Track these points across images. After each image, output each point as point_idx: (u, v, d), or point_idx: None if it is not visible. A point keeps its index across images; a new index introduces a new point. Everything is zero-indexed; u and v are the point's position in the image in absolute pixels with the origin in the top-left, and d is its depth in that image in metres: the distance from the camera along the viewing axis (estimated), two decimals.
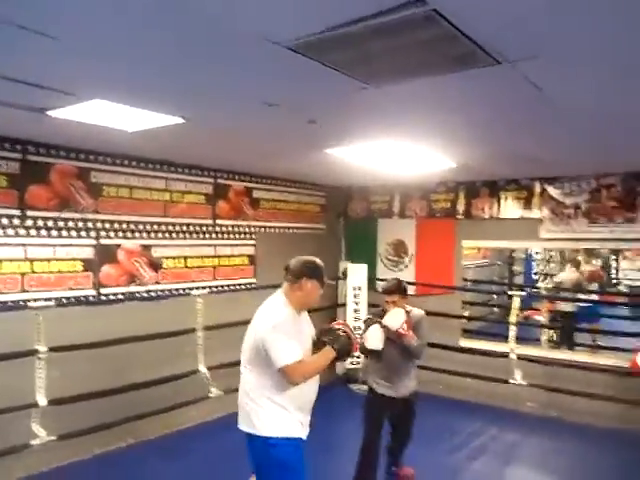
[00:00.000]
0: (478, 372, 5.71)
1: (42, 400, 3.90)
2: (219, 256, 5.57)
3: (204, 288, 5.19)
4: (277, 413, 2.70)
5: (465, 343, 6.14)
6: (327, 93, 2.72)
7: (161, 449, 4.71)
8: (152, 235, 4.99)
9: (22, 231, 4.15)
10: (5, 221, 4.06)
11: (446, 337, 6.05)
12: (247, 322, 5.44)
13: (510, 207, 5.94)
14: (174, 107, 3.10)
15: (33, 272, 4.20)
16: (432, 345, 5.96)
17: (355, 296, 6.17)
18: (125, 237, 4.79)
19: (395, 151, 4.25)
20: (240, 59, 2.28)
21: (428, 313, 6.02)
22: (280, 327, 2.64)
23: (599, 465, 4.46)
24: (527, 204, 5.83)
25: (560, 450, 4.86)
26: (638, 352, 4.55)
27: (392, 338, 3.60)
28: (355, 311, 6.20)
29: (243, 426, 2.78)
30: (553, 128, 3.46)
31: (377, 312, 3.86)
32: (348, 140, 3.91)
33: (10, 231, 4.09)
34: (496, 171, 5.46)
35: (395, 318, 3.60)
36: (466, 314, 6.89)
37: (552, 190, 5.66)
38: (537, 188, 5.78)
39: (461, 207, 6.24)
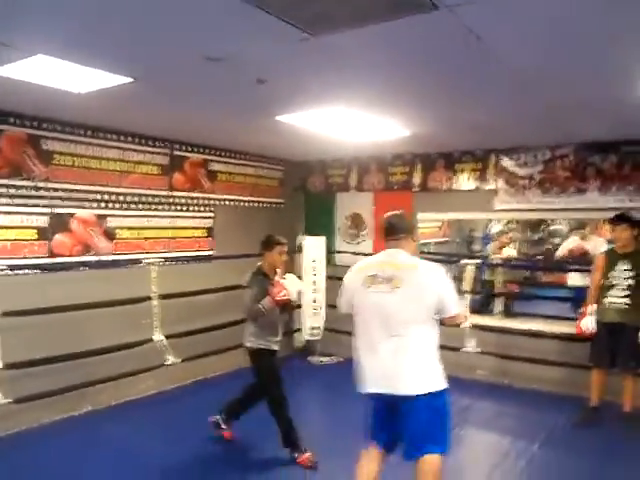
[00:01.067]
0: None
1: None
2: (175, 227, 5.59)
3: (160, 259, 5.20)
4: (439, 365, 2.83)
5: None
6: (268, 45, 2.74)
7: (118, 416, 4.74)
8: (107, 205, 4.98)
9: None
10: None
11: None
12: (205, 292, 5.61)
13: (465, 179, 6.04)
14: (118, 63, 3.08)
15: None
16: None
17: (313, 268, 6.26)
18: (79, 207, 4.77)
19: (347, 118, 4.31)
20: (178, 8, 2.30)
21: None
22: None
23: (543, 425, 4.63)
24: (482, 176, 5.94)
25: (507, 413, 5.02)
26: (582, 317, 4.76)
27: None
28: (313, 283, 6.28)
29: (408, 389, 2.69)
30: (498, 89, 3.50)
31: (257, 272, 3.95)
32: (297, 105, 3.96)
33: None
34: (449, 141, 5.55)
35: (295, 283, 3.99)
36: None
37: (506, 161, 5.78)
38: (492, 160, 5.88)
39: (417, 179, 6.33)
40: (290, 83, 3.43)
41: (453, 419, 4.61)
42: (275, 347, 3.99)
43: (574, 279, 6.69)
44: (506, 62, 2.94)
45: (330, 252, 6.68)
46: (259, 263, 3.97)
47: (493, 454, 4.22)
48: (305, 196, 7.17)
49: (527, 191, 5.71)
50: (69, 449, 4.04)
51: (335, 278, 6.44)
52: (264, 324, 3.90)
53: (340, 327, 6.37)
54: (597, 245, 6.31)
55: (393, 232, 2.88)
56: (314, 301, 6.27)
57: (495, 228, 8.27)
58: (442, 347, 2.88)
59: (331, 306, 6.40)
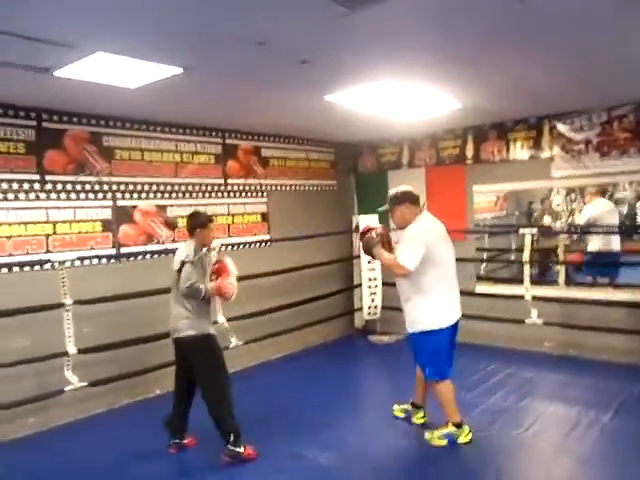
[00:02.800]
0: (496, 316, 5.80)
1: (72, 349, 4.17)
2: (232, 214, 5.75)
3: (219, 245, 5.35)
4: None
5: (481, 289, 6.19)
6: (311, 24, 2.78)
7: None
8: (166, 195, 5.18)
9: (42, 195, 4.38)
10: (26, 186, 4.29)
11: (461, 283, 6.11)
12: (264, 275, 5.74)
13: (520, 148, 5.92)
14: (173, 54, 3.19)
15: (55, 233, 4.44)
16: None
17: None
18: (140, 198, 4.99)
19: (395, 93, 4.27)
20: None
21: None
22: None
23: (614, 395, 4.50)
24: (536, 144, 5.80)
25: (576, 384, 4.91)
26: None
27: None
28: (369, 262, 6.31)
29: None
30: (552, 49, 3.41)
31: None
32: (344, 82, 3.96)
33: (32, 195, 4.32)
34: (502, 110, 5.42)
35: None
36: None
37: (561, 127, 5.61)
38: (546, 126, 5.72)
39: (470, 152, 6.25)
40: (334, 61, 3.44)
41: (518, 391, 4.65)
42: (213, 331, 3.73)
43: None
44: (558, 18, 2.85)
45: None
46: (189, 240, 3.69)
47: (563, 424, 4.13)
48: (357, 177, 7.19)
49: (584, 156, 5.53)
50: (143, 430, 4.23)
51: None
52: (202, 306, 3.65)
53: (398, 304, 6.39)
54: None
55: (418, 202, 3.85)
56: (370, 279, 6.29)
57: (556, 200, 8.00)
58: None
59: (388, 284, 6.41)
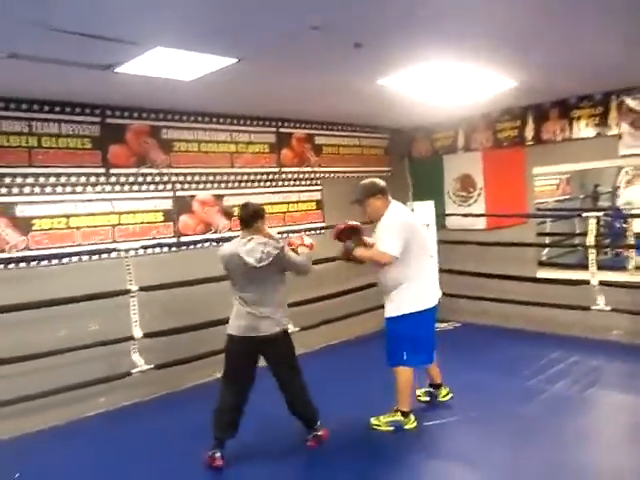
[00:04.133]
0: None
1: (138, 333, 4.38)
2: (287, 202, 5.83)
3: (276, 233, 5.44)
4: None
5: (543, 274, 6.00)
6: (364, 6, 2.75)
7: None
8: (222, 185, 5.32)
9: (108, 187, 4.61)
10: (93, 179, 4.52)
11: (522, 269, 5.98)
12: (318, 262, 5.76)
13: (584, 126, 5.64)
14: (227, 45, 3.26)
15: (121, 224, 4.65)
16: (507, 278, 5.96)
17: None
18: (198, 188, 5.14)
19: (449, 74, 4.18)
20: None
21: (502, 244, 6.04)
22: None
23: None
24: (603, 121, 5.50)
25: None
26: None
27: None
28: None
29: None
30: (618, 17, 3.21)
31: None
32: (398, 64, 3.91)
33: (98, 188, 4.55)
34: (564, 87, 5.18)
35: None
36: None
37: (631, 102, 5.29)
38: (613, 102, 5.42)
39: (530, 133, 6.02)
40: (388, 43, 3.41)
41: (582, 380, 4.50)
42: None
43: None
44: None
45: (440, 216, 6.58)
46: (247, 235, 3.46)
47: (630, 415, 3.97)
48: (411, 162, 7.10)
49: None
50: (208, 410, 4.39)
51: (447, 242, 6.39)
52: (284, 298, 3.62)
53: (456, 291, 6.32)
54: None
55: (387, 193, 3.87)
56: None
57: (625, 179, 7.63)
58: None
59: (446, 271, 6.33)
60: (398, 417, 3.82)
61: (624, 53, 4.02)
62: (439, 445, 3.65)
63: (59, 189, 4.35)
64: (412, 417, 3.83)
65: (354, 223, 3.93)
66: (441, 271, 6.30)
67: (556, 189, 8.59)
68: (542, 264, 6.30)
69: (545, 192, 8.05)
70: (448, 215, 6.73)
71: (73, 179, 4.42)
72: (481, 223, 6.47)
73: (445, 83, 4.48)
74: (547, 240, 7.11)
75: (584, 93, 5.57)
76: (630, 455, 3.39)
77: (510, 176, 6.21)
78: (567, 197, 8.90)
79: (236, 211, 5.31)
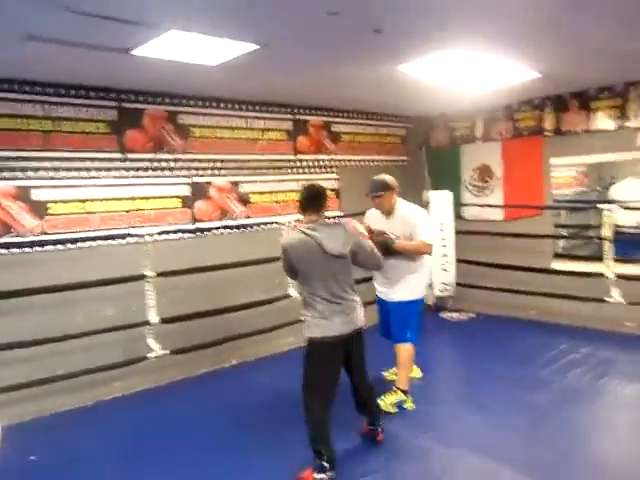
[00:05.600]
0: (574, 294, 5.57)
1: (154, 318, 4.39)
2: None
3: (291, 221, 5.42)
4: None
5: (558, 266, 5.95)
6: None
7: (262, 368, 5.10)
8: (238, 172, 5.29)
9: (125, 172, 4.59)
10: (109, 164, 4.51)
11: (538, 260, 5.93)
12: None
13: (603, 118, 5.57)
14: (245, 30, 3.23)
15: (137, 209, 4.65)
16: (523, 269, 5.91)
17: (441, 224, 6.16)
18: (214, 175, 5.13)
19: (470, 62, 4.12)
20: None
21: (519, 235, 5.99)
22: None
23: None
24: (623, 112, 5.43)
25: None
26: None
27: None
28: (442, 238, 6.18)
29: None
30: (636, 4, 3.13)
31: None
32: (418, 51, 3.85)
33: (115, 173, 4.54)
34: (584, 78, 5.11)
35: None
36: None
37: None
38: (633, 93, 5.35)
39: (549, 123, 5.95)
40: (408, 29, 3.35)
41: (594, 370, 4.47)
42: None
43: None
44: None
45: (457, 206, 6.53)
46: (324, 220, 3.15)
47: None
48: (428, 151, 7.04)
49: None
50: (223, 395, 4.45)
51: (464, 232, 6.34)
52: None
53: (472, 282, 6.29)
54: None
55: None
56: (443, 256, 6.19)
57: None
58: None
59: (462, 261, 6.30)
60: (401, 396, 3.99)
61: (634, 45, 3.93)
62: (451, 432, 3.64)
63: (74, 173, 4.34)
64: (409, 396, 4.02)
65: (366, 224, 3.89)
66: (458, 261, 6.30)
67: (574, 181, 8.50)
68: (558, 255, 6.24)
69: (563, 184, 7.97)
70: (465, 205, 6.68)
71: (89, 163, 4.40)
72: (498, 214, 6.42)
73: (466, 71, 4.41)
74: (563, 232, 7.04)
75: (604, 84, 5.49)
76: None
77: (528, 167, 6.15)
78: (584, 190, 8.82)
79: (251, 197, 5.33)
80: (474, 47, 3.77)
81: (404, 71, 4.33)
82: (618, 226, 5.68)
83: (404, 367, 4.03)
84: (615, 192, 6.64)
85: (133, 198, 4.64)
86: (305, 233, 3.01)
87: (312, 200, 3.11)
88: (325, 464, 3.00)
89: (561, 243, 6.86)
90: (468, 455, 3.32)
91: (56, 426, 4.00)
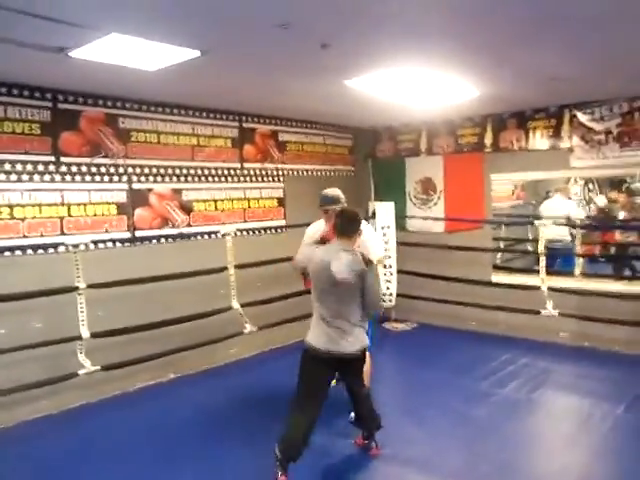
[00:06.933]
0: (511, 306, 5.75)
1: (85, 333, 4.17)
2: (248, 199, 5.71)
3: (235, 230, 5.32)
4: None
5: (497, 278, 6.13)
6: (333, 6, 2.68)
7: (201, 382, 4.95)
8: (182, 179, 5.14)
9: (57, 177, 4.36)
10: (41, 167, 4.27)
11: (477, 272, 6.08)
12: (278, 261, 5.69)
13: (539, 137, 5.81)
14: (189, 37, 3.14)
15: (70, 216, 4.41)
16: (463, 281, 6.04)
17: (384, 235, 6.20)
18: (156, 181, 4.95)
19: (415, 80, 4.19)
20: None
21: (459, 248, 6.12)
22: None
23: (628, 388, 4.45)
24: (556, 133, 5.69)
25: (589, 376, 4.86)
26: None
27: None
28: (384, 250, 6.22)
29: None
30: (575, 35, 3.29)
31: None
32: (365, 67, 3.87)
33: (47, 177, 4.30)
34: (521, 99, 5.30)
35: None
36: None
37: (582, 116, 5.50)
38: (566, 116, 5.62)
39: (489, 140, 6.15)
40: (356, 45, 3.36)
41: (531, 381, 4.61)
42: None
43: None
44: (579, 5, 2.74)
45: (401, 217, 6.61)
46: (345, 242, 3.21)
47: (575, 416, 4.13)
48: (374, 162, 7.10)
49: (604, 147, 5.42)
50: (157, 412, 4.26)
51: (407, 244, 6.42)
52: None
53: (414, 292, 6.37)
54: None
55: None
56: (385, 267, 6.23)
57: (574, 189, 7.90)
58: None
59: (403, 272, 6.36)
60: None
61: (574, 71, 4.15)
62: (391, 444, 3.61)
63: (2, 177, 4.06)
64: None
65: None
66: (399, 272, 6.36)
67: (511, 194, 8.81)
68: (496, 267, 6.43)
69: (502, 197, 8.24)
70: (408, 217, 6.77)
71: (19, 167, 4.14)
72: (440, 226, 6.55)
73: (411, 87, 4.47)
74: (502, 244, 7.27)
75: (540, 106, 5.74)
76: (575, 455, 3.52)
77: (469, 181, 6.32)
78: (521, 203, 9.14)
79: (195, 206, 5.18)
80: (420, 64, 3.81)
81: (351, 86, 4.34)
82: (549, 240, 5.94)
83: (369, 372, 3.77)
84: (543, 208, 6.93)
85: (66, 204, 4.39)
86: (327, 252, 3.19)
87: (347, 225, 3.25)
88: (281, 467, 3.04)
89: (499, 255, 7.08)
90: (408, 470, 3.33)
91: None
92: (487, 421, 3.96)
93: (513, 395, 4.44)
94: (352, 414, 3.60)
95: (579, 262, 5.93)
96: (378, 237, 4.04)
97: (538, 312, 5.47)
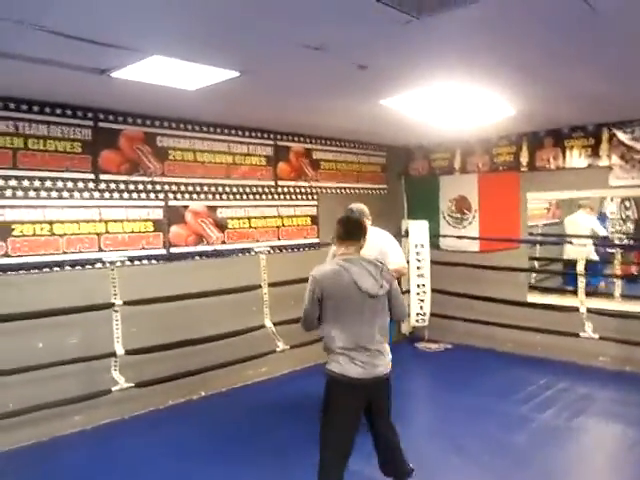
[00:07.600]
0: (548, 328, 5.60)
1: (120, 349, 4.18)
2: (282, 216, 5.72)
3: (269, 247, 5.32)
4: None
5: (533, 298, 5.99)
6: (371, 29, 2.69)
7: (232, 401, 4.92)
8: (217, 197, 5.18)
9: (96, 194, 4.43)
10: (81, 185, 4.34)
11: (513, 292, 5.95)
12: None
13: (576, 156, 5.71)
14: (229, 59, 3.17)
15: (108, 232, 4.47)
16: (498, 301, 5.92)
17: (417, 253, 6.14)
18: (191, 199, 4.99)
19: (451, 99, 4.16)
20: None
21: (494, 268, 6.00)
22: None
23: None
24: (594, 152, 5.59)
25: (633, 402, 4.67)
26: None
27: None
28: (418, 268, 6.17)
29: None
30: (612, 55, 3.23)
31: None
32: (401, 87, 3.86)
33: (86, 194, 4.37)
34: (558, 117, 5.23)
35: None
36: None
37: (621, 135, 5.39)
38: (605, 134, 5.51)
39: (525, 159, 6.07)
40: (393, 66, 3.35)
41: (571, 407, 4.46)
42: None
43: None
44: (619, 25, 2.69)
45: (434, 236, 6.54)
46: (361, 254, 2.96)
47: (618, 444, 3.97)
48: (408, 181, 7.07)
49: None
50: (186, 431, 4.24)
51: (441, 263, 6.33)
52: None
53: (448, 312, 6.27)
54: None
55: None
56: (420, 286, 6.16)
57: (610, 207, 7.70)
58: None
59: (437, 291, 6.27)
60: None
61: (614, 91, 4.08)
62: (426, 476, 3.49)
63: (43, 193, 4.15)
64: None
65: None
66: (433, 291, 6.28)
67: (547, 212, 8.64)
68: (532, 287, 6.28)
69: (536, 215, 8.07)
70: (442, 236, 6.69)
71: (60, 184, 4.22)
72: (475, 246, 6.45)
73: (447, 106, 4.44)
74: (537, 264, 7.12)
75: (577, 124, 5.64)
76: None
77: (504, 200, 6.22)
78: (557, 221, 8.95)
79: (229, 223, 5.21)
80: (458, 83, 3.77)
81: (386, 105, 4.32)
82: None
83: None
84: (567, 223, 6.80)
85: (104, 221, 4.44)
86: (342, 266, 2.81)
87: (353, 230, 2.92)
88: None
89: (533, 274, 6.92)
90: None
91: (11, 462, 3.73)
92: (526, 449, 3.82)
93: (553, 421, 4.29)
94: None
95: (618, 283, 5.76)
96: (397, 245, 4.05)
97: (577, 335, 5.32)
